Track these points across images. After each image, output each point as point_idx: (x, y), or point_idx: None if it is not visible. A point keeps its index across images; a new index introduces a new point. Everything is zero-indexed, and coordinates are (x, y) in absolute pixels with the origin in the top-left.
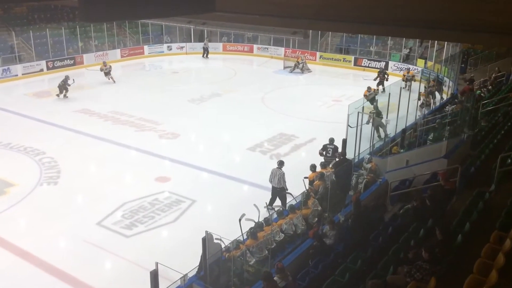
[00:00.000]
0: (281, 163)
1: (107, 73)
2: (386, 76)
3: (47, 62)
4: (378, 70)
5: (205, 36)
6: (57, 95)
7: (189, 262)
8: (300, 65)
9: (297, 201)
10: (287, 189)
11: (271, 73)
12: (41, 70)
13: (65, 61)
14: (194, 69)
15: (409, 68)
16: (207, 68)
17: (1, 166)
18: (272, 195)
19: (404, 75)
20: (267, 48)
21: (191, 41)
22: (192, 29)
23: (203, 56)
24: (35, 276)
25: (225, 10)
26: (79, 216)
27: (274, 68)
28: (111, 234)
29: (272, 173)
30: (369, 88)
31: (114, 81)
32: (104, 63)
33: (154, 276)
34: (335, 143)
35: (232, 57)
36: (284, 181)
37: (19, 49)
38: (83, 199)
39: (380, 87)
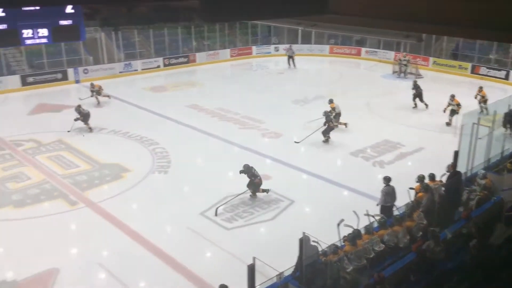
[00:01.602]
0: (388, 180)
1: (98, 93)
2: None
3: (163, 59)
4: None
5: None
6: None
7: (284, 260)
8: (403, 68)
9: (401, 212)
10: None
11: (378, 77)
12: (158, 66)
13: (180, 59)
14: (299, 71)
15: None
16: (312, 70)
17: (119, 153)
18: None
19: None
20: (376, 52)
21: (297, 43)
22: (299, 31)
23: (288, 65)
24: (144, 257)
25: (338, 12)
26: (184, 204)
27: (382, 72)
28: (213, 225)
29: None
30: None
31: (108, 97)
32: (92, 85)
33: (251, 270)
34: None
35: (339, 59)
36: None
37: (140, 46)
38: (189, 189)
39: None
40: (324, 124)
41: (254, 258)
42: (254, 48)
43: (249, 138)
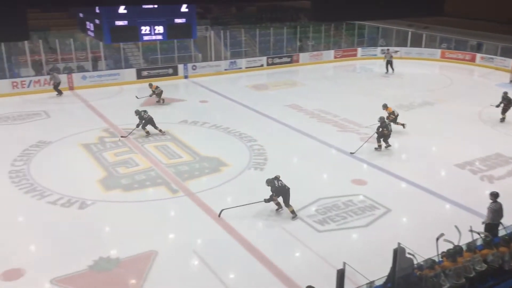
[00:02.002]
0: (495, 196)
1: (158, 95)
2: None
3: (267, 59)
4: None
5: (388, 47)
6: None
7: (376, 270)
8: None
9: (508, 232)
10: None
11: (493, 86)
12: (261, 65)
13: (283, 58)
14: (406, 75)
15: None
16: (420, 74)
17: (219, 147)
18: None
19: None
20: (492, 59)
21: (406, 46)
22: (409, 33)
23: (386, 70)
24: (235, 249)
25: (454, 14)
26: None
27: (498, 81)
28: (304, 226)
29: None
30: None
31: (163, 101)
32: (151, 85)
33: (341, 276)
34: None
35: (450, 65)
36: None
37: (246, 45)
38: None
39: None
40: (378, 131)
41: (344, 264)
42: (359, 49)
43: (347, 141)
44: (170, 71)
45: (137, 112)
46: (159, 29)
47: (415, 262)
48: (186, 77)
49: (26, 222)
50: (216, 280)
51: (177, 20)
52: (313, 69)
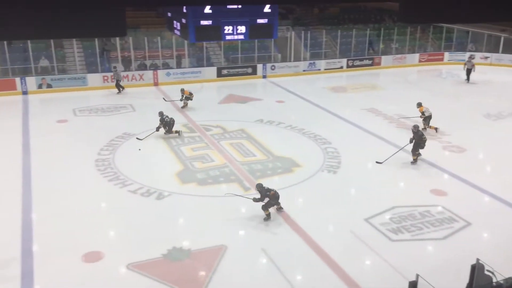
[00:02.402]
0: None
1: (187, 99)
2: None
3: (347, 61)
4: None
5: (470, 53)
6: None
7: (450, 285)
8: None
9: None
10: None
11: None
12: (341, 67)
13: (364, 61)
14: (497, 82)
15: None
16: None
17: (293, 148)
18: None
19: None
20: None
21: (498, 52)
22: (501, 38)
23: (467, 79)
24: (303, 250)
25: None
26: (350, 207)
27: None
28: (377, 234)
29: None
30: None
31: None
32: (182, 90)
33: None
34: None
35: None
36: None
37: (326, 46)
38: (356, 192)
39: None
40: (410, 141)
41: (417, 276)
42: (446, 54)
43: (428, 149)
44: (249, 70)
45: (160, 114)
46: (241, 29)
47: (494, 280)
48: (264, 76)
49: (107, 208)
50: (283, 280)
51: (259, 20)
52: (396, 73)
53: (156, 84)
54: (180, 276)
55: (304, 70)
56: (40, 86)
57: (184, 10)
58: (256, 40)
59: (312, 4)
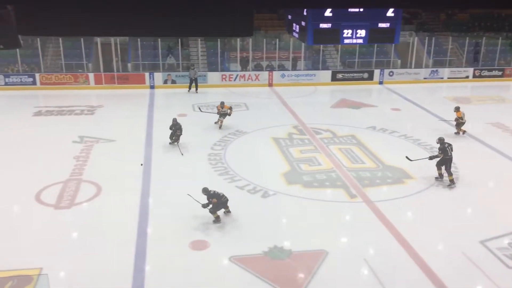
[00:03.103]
0: None
1: (224, 115)
2: None
3: (474, 70)
4: None
5: None
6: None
7: None
8: None
9: None
10: None
11: None
12: (467, 76)
13: (493, 71)
14: None
15: None
16: None
17: (406, 158)
18: None
19: None
20: None
21: None
22: None
23: None
24: (407, 265)
25: None
26: (464, 227)
27: None
28: (492, 258)
29: None
30: None
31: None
32: (222, 104)
33: None
34: None
35: None
36: None
37: (451, 54)
38: (472, 211)
39: None
40: (438, 155)
41: None
42: None
43: None
44: (365, 75)
45: (174, 121)
46: (361, 32)
47: None
48: (381, 82)
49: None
50: None
51: (381, 25)
52: None
53: (270, 85)
54: (280, 274)
55: (425, 78)
56: (165, 82)
57: (305, 13)
58: (375, 45)
59: (443, 8)
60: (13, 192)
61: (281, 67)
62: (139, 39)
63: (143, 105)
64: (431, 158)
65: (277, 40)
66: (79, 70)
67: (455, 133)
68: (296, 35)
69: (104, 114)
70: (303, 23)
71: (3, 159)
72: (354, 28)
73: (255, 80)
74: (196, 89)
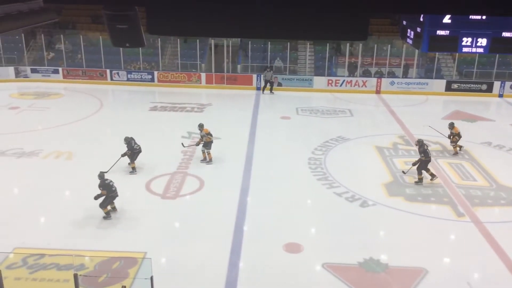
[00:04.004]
0: None
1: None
2: None
3: None
4: None
5: None
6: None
7: None
8: None
9: None
10: None
11: None
12: None
13: None
14: None
15: None
16: None
17: None
18: None
19: None
20: None
21: None
22: None
23: None
24: None
25: None
26: None
27: None
28: None
29: None
30: None
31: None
32: (201, 127)
33: None
34: None
35: None
36: None
37: None
38: None
39: None
40: (421, 158)
41: None
42: None
43: None
44: (484, 87)
45: (127, 140)
46: (482, 41)
47: None
48: (500, 95)
49: (313, 205)
50: None
51: (505, 34)
52: None
53: (378, 92)
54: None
55: None
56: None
57: (421, 19)
58: (496, 55)
59: None
60: (126, 179)
61: (391, 74)
62: (250, 42)
63: (248, 106)
64: (414, 163)
65: (389, 46)
66: (193, 70)
67: (454, 154)
68: (410, 42)
69: (212, 112)
70: (418, 29)
71: (121, 148)
72: (475, 36)
73: (362, 86)
74: (271, 90)
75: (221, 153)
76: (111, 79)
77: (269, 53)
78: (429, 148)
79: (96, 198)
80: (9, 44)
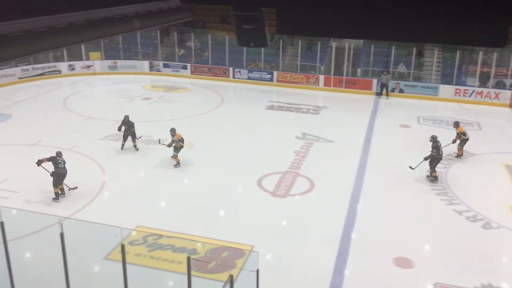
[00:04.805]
0: None
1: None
2: None
3: None
4: None
5: None
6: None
7: None
8: None
9: None
10: None
11: None
12: None
13: None
14: None
15: None
16: None
17: None
18: None
19: None
20: None
21: None
22: None
23: None
24: None
25: None
26: None
27: None
28: None
29: None
30: None
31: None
32: (173, 131)
33: None
34: None
35: None
36: None
37: None
38: None
39: None
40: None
41: None
42: None
43: None
44: None
45: (126, 118)
46: None
47: None
48: None
49: (426, 220)
50: None
51: None
52: None
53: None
54: None
55: None
56: (392, 90)
57: None
58: None
59: None
60: (240, 173)
61: None
62: (372, 46)
63: (366, 111)
64: (426, 158)
65: None
66: (311, 72)
67: (456, 156)
68: None
69: (327, 115)
70: None
71: (235, 141)
72: None
73: (494, 98)
74: (387, 95)
75: (333, 157)
76: (233, 76)
77: (392, 58)
78: (441, 146)
79: (52, 175)
80: (146, 40)
